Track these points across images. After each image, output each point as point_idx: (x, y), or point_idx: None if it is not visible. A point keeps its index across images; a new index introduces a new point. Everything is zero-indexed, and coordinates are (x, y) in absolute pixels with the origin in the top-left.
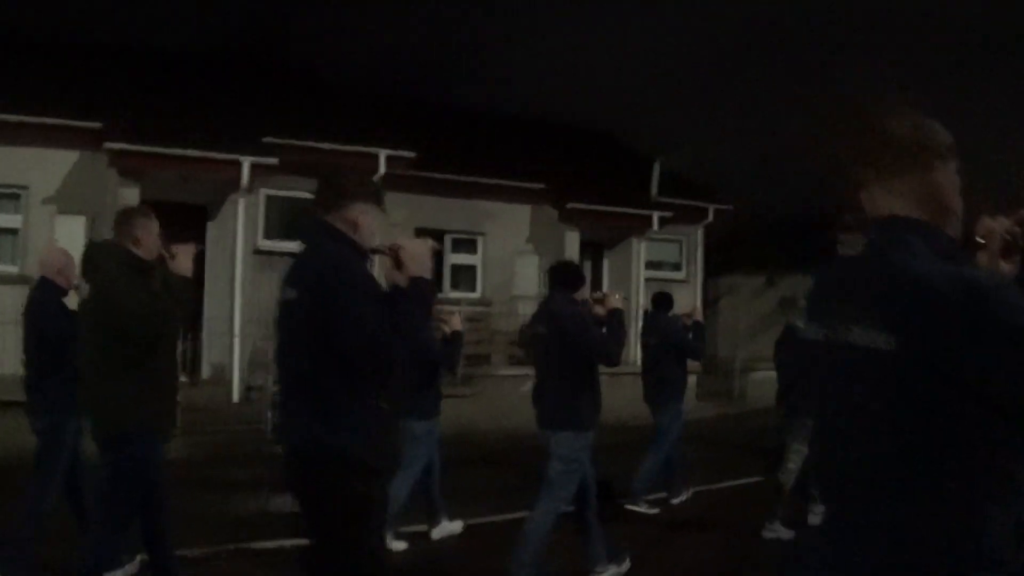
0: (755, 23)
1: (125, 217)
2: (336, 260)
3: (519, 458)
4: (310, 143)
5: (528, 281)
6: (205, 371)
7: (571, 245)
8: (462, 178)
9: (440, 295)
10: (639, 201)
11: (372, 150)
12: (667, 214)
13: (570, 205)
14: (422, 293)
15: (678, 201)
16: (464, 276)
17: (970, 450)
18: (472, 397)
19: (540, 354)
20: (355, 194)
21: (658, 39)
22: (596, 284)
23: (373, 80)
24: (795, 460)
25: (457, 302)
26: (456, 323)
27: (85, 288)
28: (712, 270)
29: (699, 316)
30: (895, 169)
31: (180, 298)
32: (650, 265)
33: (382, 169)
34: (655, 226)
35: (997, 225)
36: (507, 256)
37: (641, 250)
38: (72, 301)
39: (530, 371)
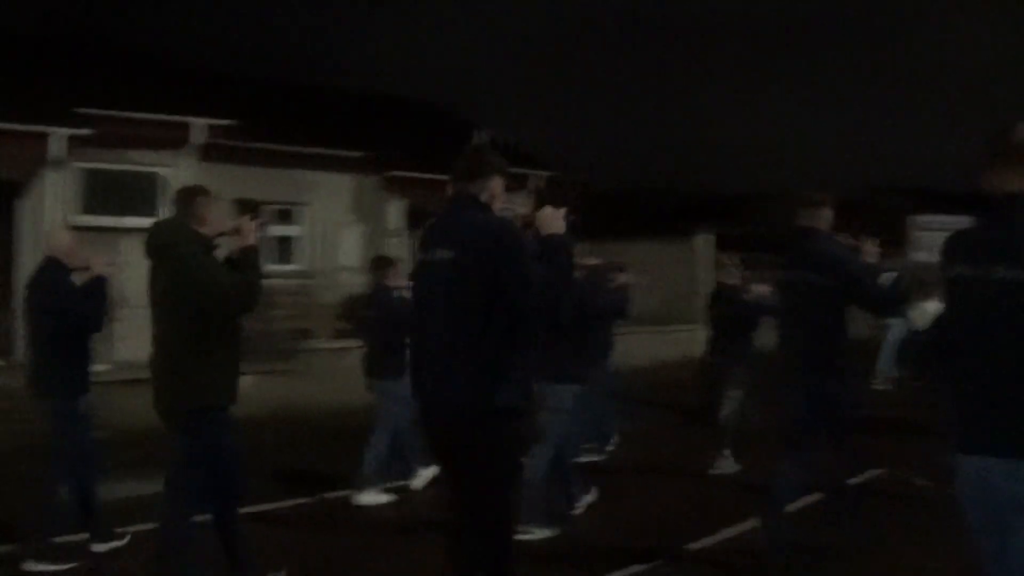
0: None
1: (189, 196)
2: (501, 224)
3: (346, 436)
4: (127, 113)
5: (351, 252)
6: (20, 353)
7: (395, 214)
8: (282, 147)
9: (263, 267)
10: None
11: (191, 119)
12: None
13: (393, 174)
14: (565, 246)
15: None
16: (286, 248)
17: None
18: (294, 373)
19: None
20: (497, 168)
21: (480, 10)
22: None
23: (194, 54)
24: (731, 405)
25: (277, 275)
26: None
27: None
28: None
29: (631, 279)
30: (1015, 162)
31: (253, 272)
32: None
33: (202, 138)
34: None
35: None
36: (330, 227)
37: None
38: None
39: (353, 344)
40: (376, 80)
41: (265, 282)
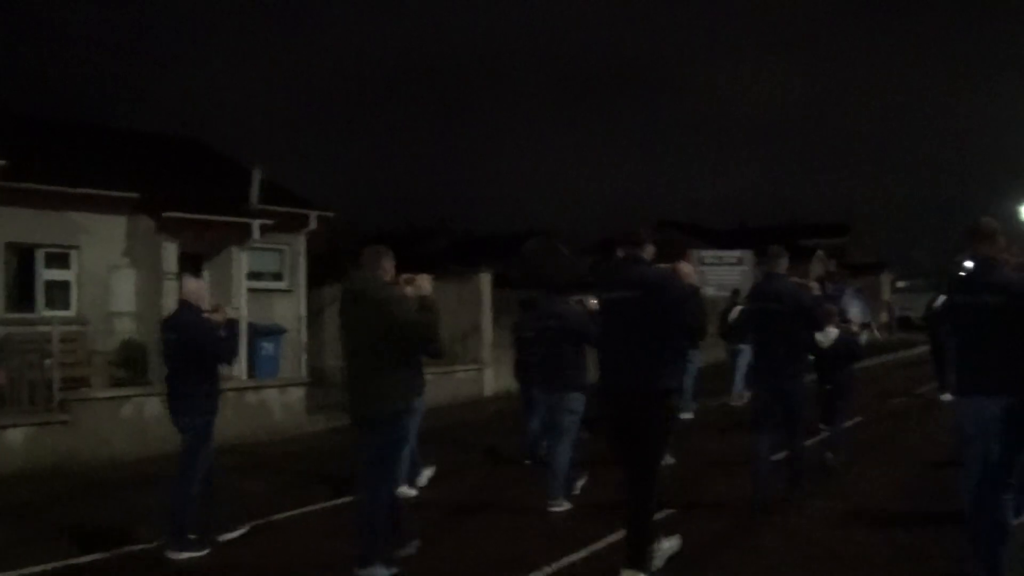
0: (356, 45)
1: (377, 254)
2: (667, 274)
3: (128, 487)
4: None
5: (125, 297)
6: None
7: (169, 257)
8: (53, 188)
9: (33, 315)
10: (239, 209)
11: None
12: (268, 222)
13: (167, 215)
14: (697, 292)
15: (279, 209)
16: (58, 293)
17: None
18: (70, 424)
19: (545, 341)
20: (651, 238)
21: (255, 52)
22: None
23: None
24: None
25: (50, 321)
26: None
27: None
28: (316, 280)
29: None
30: (984, 239)
31: (432, 314)
32: (252, 276)
33: None
34: (256, 235)
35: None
36: (103, 271)
37: (242, 260)
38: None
39: (131, 392)
40: (145, 115)
41: (37, 330)
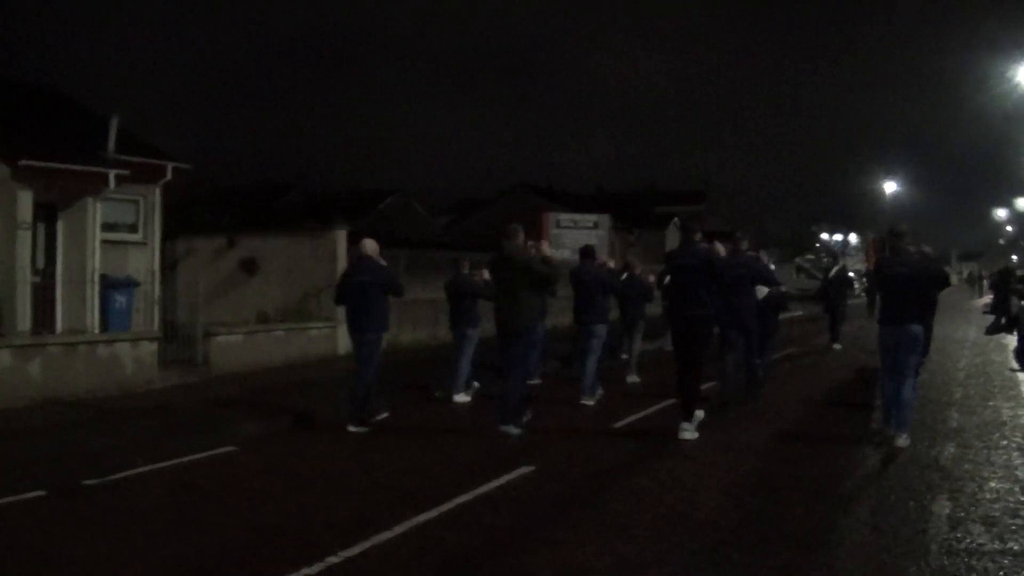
0: (242, 9)
1: (517, 229)
2: (712, 251)
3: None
4: None
5: None
6: None
7: (23, 207)
8: None
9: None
10: (95, 158)
11: None
12: (125, 172)
13: (24, 163)
14: (724, 261)
15: (136, 159)
16: None
17: (933, 299)
18: None
19: (580, 289)
20: (700, 229)
21: (119, 6)
22: (51, 249)
23: None
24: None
25: None
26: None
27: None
28: (170, 232)
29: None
30: (899, 235)
31: (552, 268)
32: (106, 227)
33: None
34: (112, 185)
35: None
36: None
37: (97, 211)
38: None
39: None
40: (7, 66)
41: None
